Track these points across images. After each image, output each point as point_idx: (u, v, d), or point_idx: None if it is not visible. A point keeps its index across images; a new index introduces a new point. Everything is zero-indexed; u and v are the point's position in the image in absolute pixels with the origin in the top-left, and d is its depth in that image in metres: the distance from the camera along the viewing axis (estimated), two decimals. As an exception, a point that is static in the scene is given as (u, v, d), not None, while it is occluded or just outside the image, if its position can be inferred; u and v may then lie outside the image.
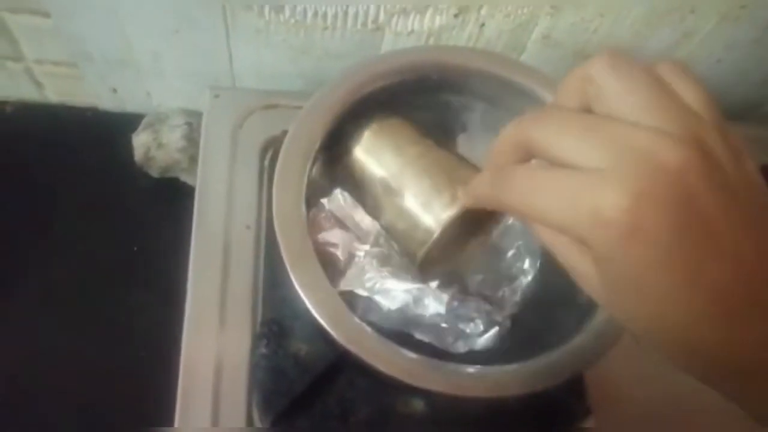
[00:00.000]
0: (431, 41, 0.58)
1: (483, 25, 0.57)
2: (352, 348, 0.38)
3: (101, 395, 0.56)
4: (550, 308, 0.46)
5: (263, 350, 0.48)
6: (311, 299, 0.39)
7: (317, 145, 0.43)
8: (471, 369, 0.41)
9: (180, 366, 0.47)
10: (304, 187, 0.42)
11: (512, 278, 0.51)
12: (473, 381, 0.41)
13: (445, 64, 0.47)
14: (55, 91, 0.68)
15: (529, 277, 0.51)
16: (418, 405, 0.48)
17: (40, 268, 0.61)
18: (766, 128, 0.72)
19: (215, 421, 0.46)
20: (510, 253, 0.52)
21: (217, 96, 0.57)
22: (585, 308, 0.44)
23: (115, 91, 0.67)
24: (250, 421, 0.47)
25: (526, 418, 0.49)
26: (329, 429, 0.47)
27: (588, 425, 0.51)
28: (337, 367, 0.47)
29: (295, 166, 0.42)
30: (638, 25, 0.58)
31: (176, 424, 0.46)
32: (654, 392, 0.54)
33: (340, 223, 0.47)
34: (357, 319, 0.40)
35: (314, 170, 0.44)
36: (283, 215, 0.41)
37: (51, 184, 0.65)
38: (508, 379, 0.41)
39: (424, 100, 0.49)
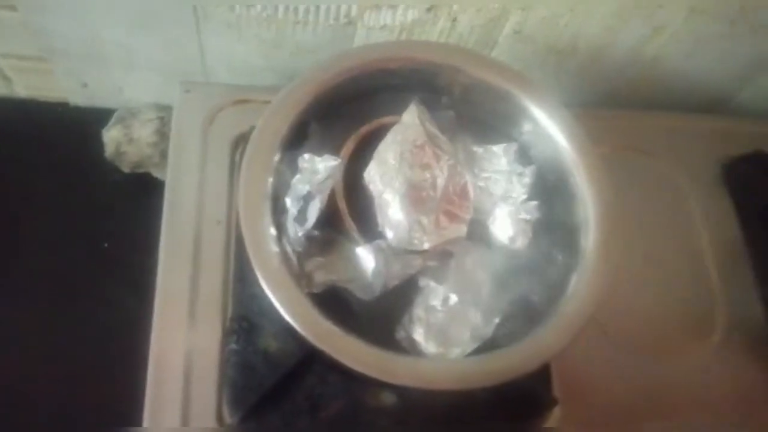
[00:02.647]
0: (404, 36, 0.59)
1: (455, 20, 0.57)
2: (319, 345, 0.38)
3: (72, 391, 0.56)
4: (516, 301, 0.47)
5: (233, 346, 0.48)
6: (278, 297, 0.40)
7: (284, 140, 0.43)
8: (437, 362, 0.41)
9: (149, 361, 0.47)
10: (271, 183, 0.42)
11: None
12: (439, 374, 0.41)
13: (415, 59, 0.48)
14: (25, 86, 0.67)
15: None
16: (389, 398, 0.49)
17: (10, 263, 0.61)
18: (736, 121, 0.73)
19: (185, 415, 0.46)
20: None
21: (187, 91, 0.57)
22: (549, 300, 0.45)
23: (85, 85, 0.66)
24: (220, 417, 0.47)
25: (495, 410, 0.50)
26: (299, 424, 0.47)
27: (555, 415, 0.52)
28: (307, 363, 0.47)
29: (262, 162, 0.42)
30: (608, 20, 0.58)
31: (145, 418, 0.46)
32: (621, 383, 0.56)
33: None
34: (323, 317, 0.40)
35: (281, 164, 0.44)
36: (250, 214, 0.41)
37: (21, 180, 0.64)
38: (474, 372, 0.41)
39: (394, 95, 0.49)
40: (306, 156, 0.44)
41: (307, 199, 0.43)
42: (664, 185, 0.65)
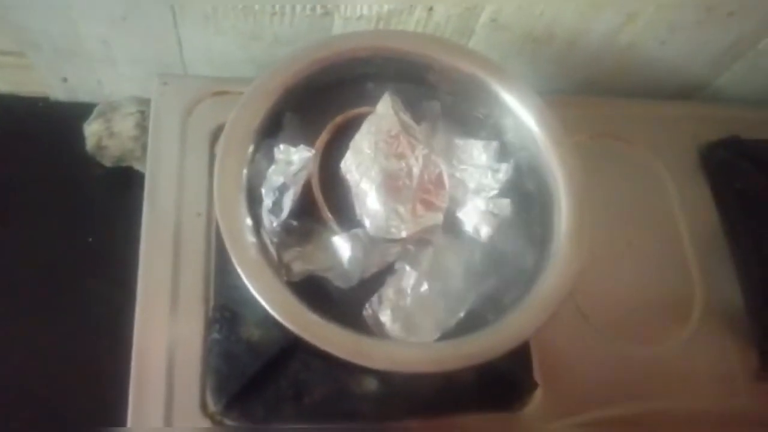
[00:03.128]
0: (381, 26, 0.59)
1: (431, 9, 0.58)
2: (295, 329, 0.39)
3: (57, 385, 0.56)
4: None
5: (216, 335, 0.49)
6: (255, 287, 0.40)
7: (258, 131, 0.43)
8: (413, 346, 0.42)
9: (133, 352, 0.48)
10: (245, 173, 0.42)
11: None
12: (415, 357, 0.42)
13: (387, 48, 0.48)
14: (4, 81, 0.67)
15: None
16: (371, 384, 0.50)
17: (-7, 259, 0.61)
18: (712, 107, 0.74)
19: (169, 405, 0.47)
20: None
21: (165, 83, 0.57)
22: (523, 283, 0.45)
23: (65, 80, 0.66)
24: (204, 405, 0.48)
25: (477, 394, 0.51)
26: (283, 411, 0.48)
27: (536, 399, 0.53)
28: (290, 351, 0.48)
29: (237, 153, 0.43)
30: (583, 7, 0.59)
31: (129, 409, 0.46)
32: (601, 366, 0.56)
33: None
34: (300, 304, 0.40)
35: (256, 155, 0.44)
36: (226, 204, 0.41)
37: (2, 176, 0.64)
38: (450, 354, 0.42)
39: (369, 85, 0.50)
40: (281, 147, 0.45)
41: (282, 190, 0.44)
42: (641, 171, 0.66)
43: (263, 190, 0.44)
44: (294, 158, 0.45)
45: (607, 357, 0.56)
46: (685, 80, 0.72)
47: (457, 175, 0.50)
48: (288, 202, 0.43)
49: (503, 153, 0.51)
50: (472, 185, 0.50)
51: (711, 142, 0.69)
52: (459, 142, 0.51)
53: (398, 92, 0.48)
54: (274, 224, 0.43)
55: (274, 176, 0.44)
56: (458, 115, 0.53)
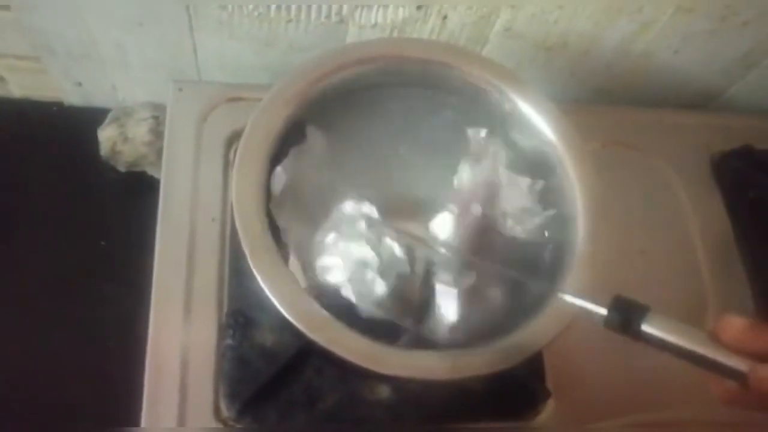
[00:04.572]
0: (395, 34, 0.59)
1: (445, 17, 0.58)
2: (311, 334, 0.39)
3: (69, 389, 0.56)
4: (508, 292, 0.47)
5: (229, 341, 0.49)
6: (272, 289, 0.40)
7: (277, 137, 0.44)
8: (430, 353, 0.42)
9: (147, 357, 0.48)
10: (264, 179, 0.42)
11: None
12: (432, 364, 0.41)
13: (405, 56, 0.48)
14: (19, 86, 0.67)
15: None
16: (385, 391, 0.50)
17: (6, 263, 0.61)
18: (725, 116, 0.74)
19: (182, 410, 0.47)
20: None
21: (180, 89, 0.57)
22: (540, 291, 0.45)
23: (80, 84, 0.66)
24: (217, 411, 0.47)
25: (490, 402, 0.50)
26: (296, 417, 0.48)
27: (549, 408, 0.53)
28: (303, 357, 0.48)
29: (255, 158, 0.43)
30: (597, 16, 0.59)
31: (143, 413, 0.46)
32: (614, 375, 0.56)
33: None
34: (319, 307, 0.40)
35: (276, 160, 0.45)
36: (244, 208, 0.42)
37: (16, 180, 0.65)
38: (466, 362, 0.42)
39: (385, 92, 0.50)
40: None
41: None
42: (654, 180, 0.66)
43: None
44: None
45: (620, 365, 0.56)
46: (698, 89, 0.72)
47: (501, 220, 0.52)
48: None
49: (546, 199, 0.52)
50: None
51: (723, 151, 0.69)
52: (504, 176, 0.52)
53: (415, 99, 0.48)
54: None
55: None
56: (472, 122, 0.53)
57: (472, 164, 0.52)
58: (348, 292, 0.45)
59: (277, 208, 0.44)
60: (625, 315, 0.35)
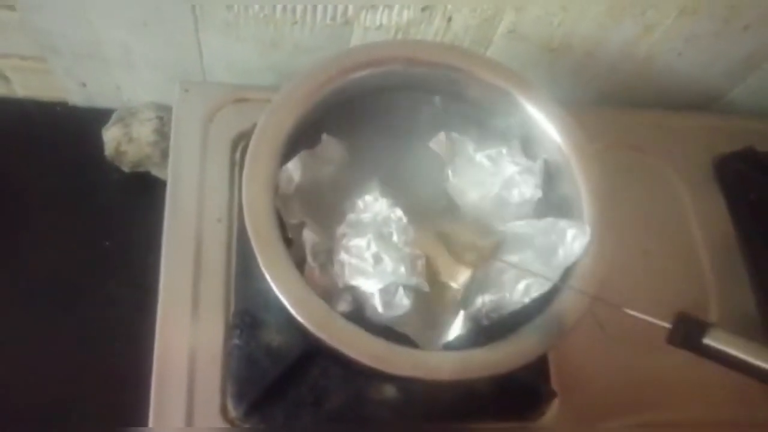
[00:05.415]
0: (399, 35, 0.59)
1: (450, 19, 0.58)
2: (319, 333, 0.39)
3: (76, 390, 0.56)
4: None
5: (236, 341, 0.49)
6: (282, 288, 0.40)
7: (287, 137, 0.44)
8: (437, 353, 0.42)
9: (154, 358, 0.48)
10: (273, 179, 0.43)
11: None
12: (438, 364, 0.42)
13: (413, 58, 0.48)
14: (23, 86, 0.67)
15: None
16: (391, 391, 0.50)
17: (12, 263, 0.61)
18: (727, 118, 0.75)
19: (189, 409, 0.47)
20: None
21: (186, 90, 0.57)
22: (545, 294, 0.46)
23: (84, 85, 0.66)
24: (224, 410, 0.48)
25: (495, 402, 0.51)
26: (302, 416, 0.48)
27: (554, 408, 0.53)
28: (310, 357, 0.48)
29: (265, 158, 0.43)
30: (600, 19, 0.59)
31: (151, 413, 0.46)
32: (618, 376, 0.56)
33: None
34: (326, 306, 0.40)
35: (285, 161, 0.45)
36: (254, 207, 0.42)
37: (21, 180, 0.65)
38: (472, 362, 0.42)
39: (393, 95, 0.50)
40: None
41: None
42: (656, 182, 0.66)
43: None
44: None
45: (623, 366, 0.56)
46: (701, 91, 0.73)
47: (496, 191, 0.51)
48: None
49: (528, 152, 0.52)
50: (515, 199, 0.51)
51: (726, 153, 0.69)
52: (481, 157, 0.52)
53: (423, 103, 0.48)
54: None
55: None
56: (481, 125, 0.53)
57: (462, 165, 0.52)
58: (376, 301, 0.44)
59: (286, 205, 0.44)
60: (688, 330, 0.36)
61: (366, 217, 0.47)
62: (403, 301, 0.45)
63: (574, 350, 0.55)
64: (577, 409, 0.54)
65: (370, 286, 0.44)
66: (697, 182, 0.67)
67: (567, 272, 0.46)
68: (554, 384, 0.53)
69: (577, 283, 0.45)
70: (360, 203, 0.47)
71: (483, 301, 0.46)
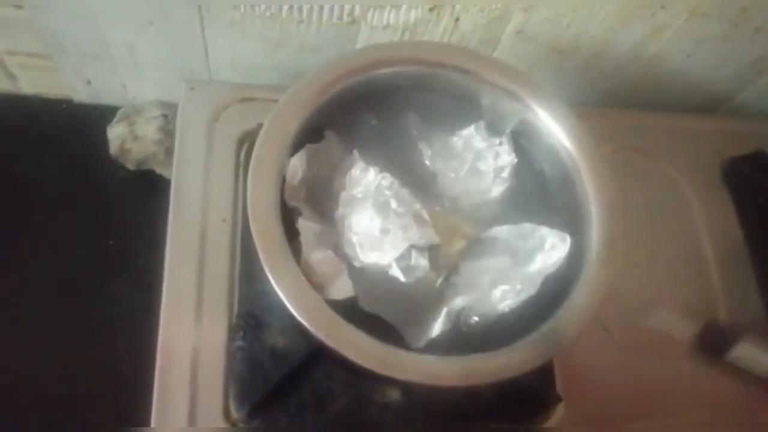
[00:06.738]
0: (407, 35, 0.59)
1: (458, 19, 0.58)
2: (325, 339, 0.39)
3: (78, 390, 0.56)
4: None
5: (240, 343, 0.49)
6: (285, 291, 0.40)
7: (292, 138, 0.44)
8: (442, 358, 0.42)
9: (157, 358, 0.48)
10: (279, 180, 0.42)
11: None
12: (444, 370, 0.41)
13: (421, 59, 0.48)
14: (29, 83, 0.67)
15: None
16: (394, 394, 0.49)
17: (15, 261, 0.61)
18: (736, 121, 0.74)
19: (192, 411, 0.47)
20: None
21: (192, 89, 0.57)
22: (552, 299, 0.45)
23: (89, 83, 0.66)
24: (227, 412, 0.47)
25: (499, 407, 0.50)
26: (305, 419, 0.48)
27: (559, 413, 0.52)
28: (314, 359, 0.48)
29: (271, 159, 0.43)
30: (610, 20, 0.59)
31: (153, 414, 0.46)
32: (624, 381, 0.56)
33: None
34: (331, 311, 0.40)
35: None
36: (258, 209, 0.41)
37: (25, 177, 0.65)
38: (478, 368, 0.42)
39: (400, 95, 0.50)
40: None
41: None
42: (664, 185, 0.66)
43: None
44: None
45: (630, 371, 0.56)
46: (709, 94, 0.72)
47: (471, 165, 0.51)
48: None
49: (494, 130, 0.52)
50: (490, 170, 0.51)
51: (734, 156, 0.69)
52: (453, 138, 0.52)
53: (428, 105, 0.48)
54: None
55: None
56: (488, 126, 0.53)
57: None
58: (395, 271, 0.45)
59: (292, 195, 0.45)
60: (716, 339, 0.36)
61: (358, 191, 0.47)
62: (420, 262, 0.45)
63: (580, 354, 0.55)
64: (582, 413, 0.53)
65: (385, 258, 0.45)
66: (705, 185, 0.67)
67: (575, 280, 0.45)
68: (559, 388, 0.53)
69: (584, 288, 0.44)
70: (347, 179, 0.47)
71: (461, 303, 0.46)
